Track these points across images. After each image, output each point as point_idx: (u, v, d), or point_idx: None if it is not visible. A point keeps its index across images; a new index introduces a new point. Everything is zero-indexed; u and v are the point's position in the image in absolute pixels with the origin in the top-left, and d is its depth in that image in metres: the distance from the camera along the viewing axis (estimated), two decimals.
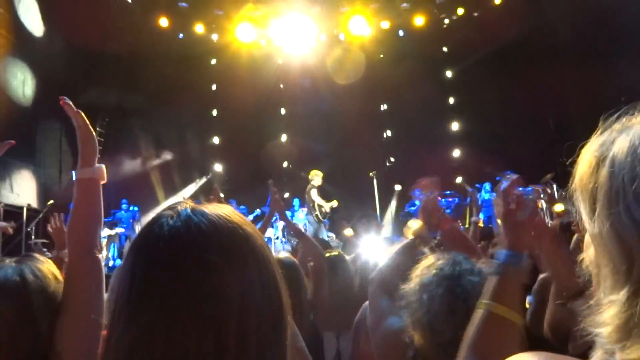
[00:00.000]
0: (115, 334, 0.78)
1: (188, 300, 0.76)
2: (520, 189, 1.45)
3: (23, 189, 10.31)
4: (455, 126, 13.67)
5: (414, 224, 2.27)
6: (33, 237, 9.15)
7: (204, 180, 13.41)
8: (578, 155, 0.75)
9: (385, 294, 2.04)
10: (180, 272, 0.78)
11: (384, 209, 12.42)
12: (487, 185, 11.30)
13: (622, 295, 0.65)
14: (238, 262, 0.80)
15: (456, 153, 13.53)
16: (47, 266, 1.53)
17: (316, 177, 10.95)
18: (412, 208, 11.89)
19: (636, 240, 0.64)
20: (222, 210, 0.86)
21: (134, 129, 12.74)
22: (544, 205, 9.78)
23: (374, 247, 4.88)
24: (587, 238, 0.74)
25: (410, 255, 2.18)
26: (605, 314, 0.67)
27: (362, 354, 2.66)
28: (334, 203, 10.99)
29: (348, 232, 4.23)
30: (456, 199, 10.58)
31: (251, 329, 0.78)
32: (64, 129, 11.50)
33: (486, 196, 11.09)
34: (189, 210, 0.84)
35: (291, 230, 3.77)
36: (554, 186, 8.14)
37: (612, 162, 0.68)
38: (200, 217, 0.82)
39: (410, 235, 2.24)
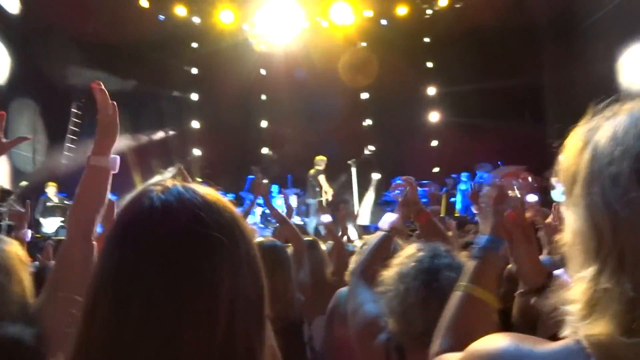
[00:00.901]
0: (102, 311, 0.74)
1: (183, 275, 0.74)
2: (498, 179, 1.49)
3: None
4: (434, 116, 13.77)
5: (390, 218, 2.33)
6: (6, 218, 8.98)
7: (176, 169, 13.25)
8: (566, 139, 0.77)
9: (366, 286, 2.07)
10: (175, 246, 0.75)
11: (362, 196, 12.51)
12: (464, 176, 11.45)
13: (589, 272, 0.68)
14: (230, 240, 0.79)
15: (435, 143, 13.65)
16: (11, 247, 1.52)
17: (321, 162, 11.09)
18: (394, 193, 12.02)
19: (606, 221, 0.66)
20: (208, 190, 0.85)
21: None
22: (518, 197, 9.98)
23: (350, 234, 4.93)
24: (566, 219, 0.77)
25: (386, 248, 2.25)
26: (574, 290, 0.70)
27: (337, 341, 2.70)
28: (331, 191, 11.14)
29: (326, 217, 4.25)
30: (432, 188, 10.71)
31: (240, 309, 0.77)
32: (39, 110, 11.25)
33: (463, 187, 11.25)
34: (179, 187, 0.82)
35: (273, 215, 3.80)
36: (529, 178, 8.29)
37: (594, 146, 0.71)
38: (192, 194, 0.81)
39: (386, 229, 2.30)
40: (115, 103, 1.58)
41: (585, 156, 0.72)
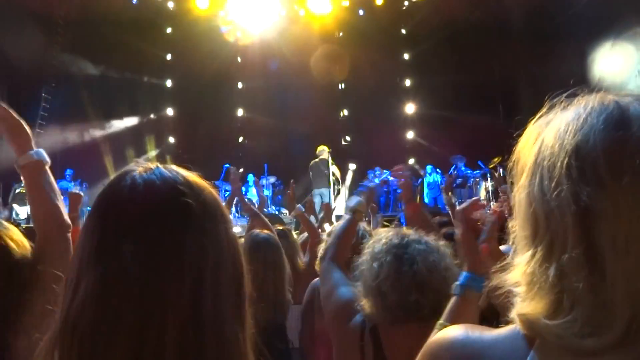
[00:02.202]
0: (85, 286, 0.75)
1: (163, 248, 0.77)
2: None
3: None
4: (410, 108, 13.84)
5: (354, 200, 2.40)
6: None
7: (153, 153, 13.03)
8: (524, 131, 0.81)
9: (337, 267, 2.12)
10: (155, 220, 0.77)
11: (338, 187, 12.54)
12: (429, 168, 11.61)
13: (525, 257, 0.74)
14: (212, 216, 0.82)
15: (410, 134, 13.74)
16: (11, 233, 1.47)
17: (323, 151, 10.98)
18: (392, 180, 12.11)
19: (541, 210, 0.72)
20: (189, 172, 0.87)
21: (82, 97, 12.19)
22: (491, 189, 10.15)
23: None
24: None
25: (352, 230, 2.30)
26: (513, 273, 0.76)
27: (317, 333, 2.70)
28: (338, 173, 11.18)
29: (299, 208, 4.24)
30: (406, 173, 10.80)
31: (224, 283, 0.80)
32: (6, 93, 10.90)
33: (430, 179, 11.42)
34: (162, 168, 0.84)
35: (244, 207, 3.80)
36: (501, 170, 8.43)
37: (542, 140, 0.76)
38: (174, 173, 0.83)
39: (349, 212, 2.36)
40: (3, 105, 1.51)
41: (534, 149, 0.76)
